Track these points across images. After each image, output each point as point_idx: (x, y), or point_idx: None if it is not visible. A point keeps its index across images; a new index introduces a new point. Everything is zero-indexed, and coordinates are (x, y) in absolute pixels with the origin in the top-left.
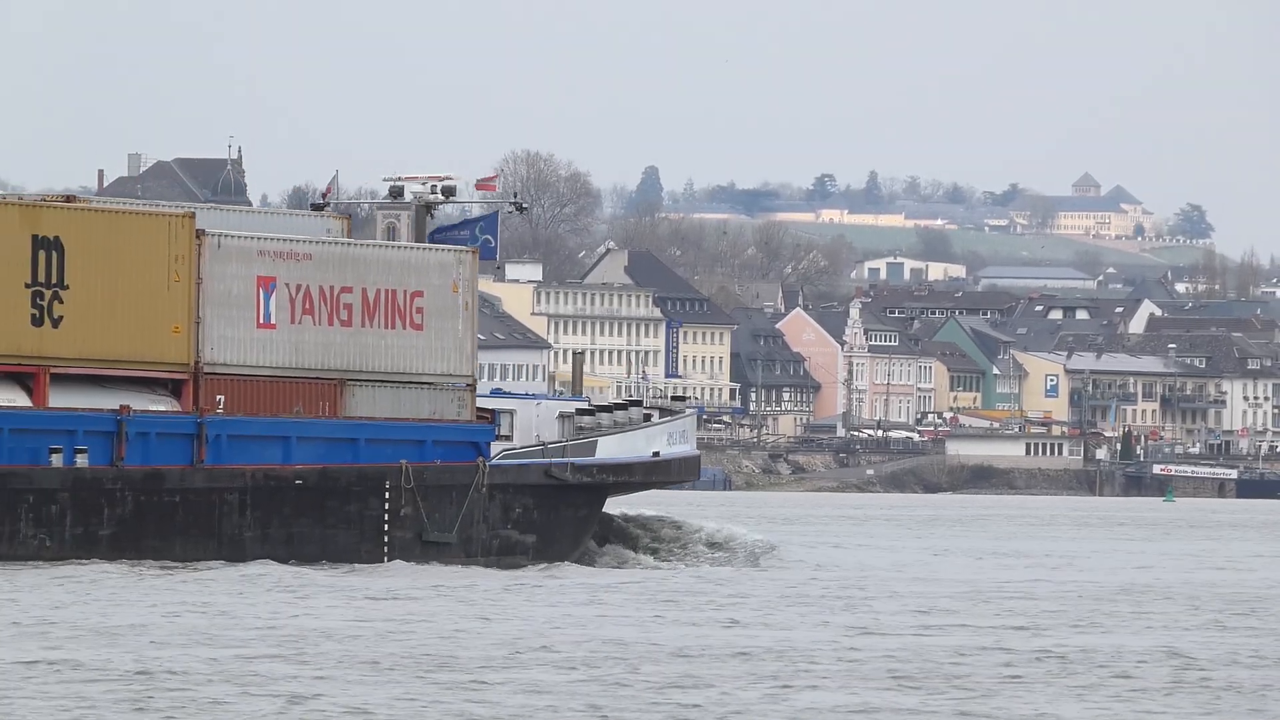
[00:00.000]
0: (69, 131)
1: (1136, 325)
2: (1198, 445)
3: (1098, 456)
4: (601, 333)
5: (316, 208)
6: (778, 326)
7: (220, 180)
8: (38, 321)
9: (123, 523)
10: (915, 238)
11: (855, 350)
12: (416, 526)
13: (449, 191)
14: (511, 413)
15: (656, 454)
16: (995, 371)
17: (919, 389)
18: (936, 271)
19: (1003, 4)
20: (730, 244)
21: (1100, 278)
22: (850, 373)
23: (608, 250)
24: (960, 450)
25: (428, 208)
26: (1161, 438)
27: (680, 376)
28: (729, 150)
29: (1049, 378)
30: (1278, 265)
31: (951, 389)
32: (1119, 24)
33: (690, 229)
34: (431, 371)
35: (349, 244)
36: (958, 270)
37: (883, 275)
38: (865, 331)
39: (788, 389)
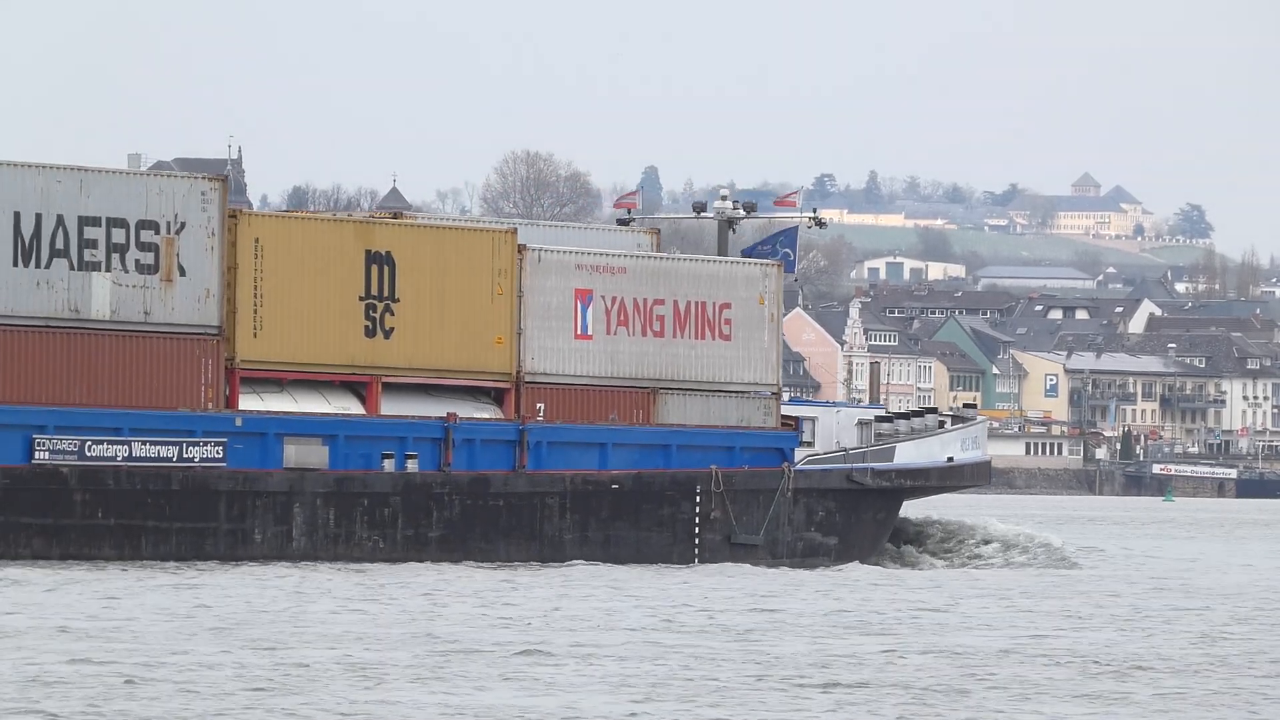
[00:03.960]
0: (68, 131)
1: (1136, 325)
2: (1197, 445)
3: (1097, 456)
4: None
5: (623, 222)
6: None
7: None
8: (370, 333)
9: (450, 525)
10: (915, 238)
11: (855, 350)
12: (725, 529)
13: (750, 207)
14: (813, 420)
15: (950, 459)
16: (995, 371)
17: (919, 389)
18: (936, 271)
19: (1004, 5)
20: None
21: (1100, 277)
22: (850, 372)
23: None
24: None
25: (730, 223)
26: (1161, 437)
27: None
28: (729, 150)
29: (1049, 377)
30: (1278, 265)
31: (951, 389)
32: (1121, 25)
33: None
34: (739, 380)
35: (662, 258)
36: (957, 270)
37: (882, 275)
38: (865, 331)
39: (787, 389)
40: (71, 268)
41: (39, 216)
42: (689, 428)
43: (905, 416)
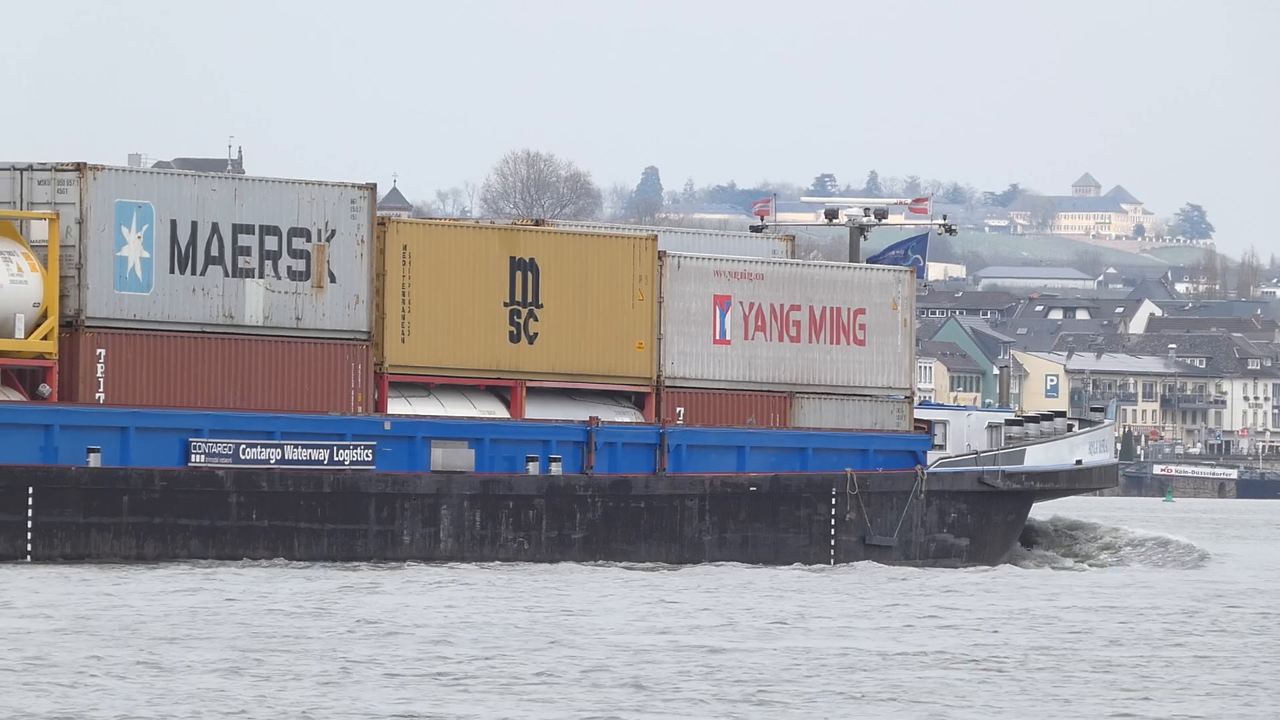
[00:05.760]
0: (68, 131)
1: (1136, 325)
2: (1198, 445)
3: None
4: None
5: (756, 229)
6: None
7: None
8: (515, 338)
9: (593, 527)
10: None
11: None
12: (860, 530)
13: (881, 214)
14: (945, 423)
15: (1079, 462)
16: (995, 371)
17: (919, 389)
18: (936, 271)
19: (1003, 5)
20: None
21: (1100, 278)
22: None
23: None
24: None
25: (861, 229)
26: (1161, 438)
27: None
28: (729, 150)
29: (1049, 378)
30: (1278, 265)
31: (951, 389)
32: (1122, 25)
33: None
34: (873, 385)
35: (798, 264)
36: (958, 270)
37: None
38: None
39: None
40: (226, 274)
41: (194, 224)
42: (824, 431)
43: (1035, 420)
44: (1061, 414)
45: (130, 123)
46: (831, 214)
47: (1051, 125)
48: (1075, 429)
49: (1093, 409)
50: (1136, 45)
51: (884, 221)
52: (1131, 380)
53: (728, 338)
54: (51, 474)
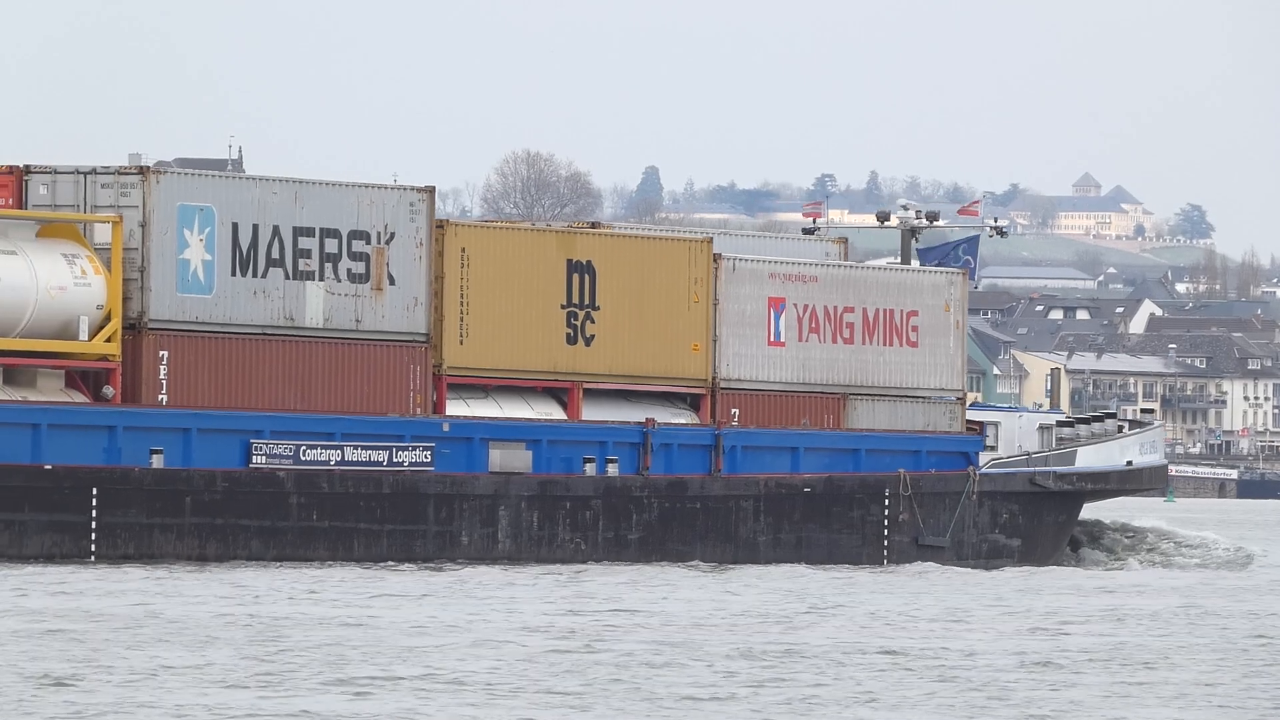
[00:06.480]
0: (68, 131)
1: (1137, 325)
2: (1198, 445)
3: None
4: None
5: (808, 232)
6: None
7: None
8: (572, 340)
9: (649, 528)
10: None
11: None
12: (913, 531)
13: (932, 216)
14: (997, 424)
15: (1129, 463)
16: (996, 371)
17: None
18: None
19: (1003, 5)
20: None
21: (1100, 278)
22: None
23: None
24: None
25: (913, 231)
26: None
27: None
28: (729, 150)
29: (1049, 377)
30: (1278, 265)
31: None
32: (1122, 25)
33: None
34: (926, 386)
35: (852, 267)
36: None
37: None
38: None
39: None
40: (287, 277)
41: (255, 227)
42: (878, 432)
43: (1085, 421)
44: (1112, 415)
45: (130, 123)
46: (883, 217)
47: (1051, 125)
48: (1126, 430)
49: (1143, 410)
50: (1136, 45)
51: (935, 224)
52: (1132, 380)
53: (782, 339)
54: (115, 475)
